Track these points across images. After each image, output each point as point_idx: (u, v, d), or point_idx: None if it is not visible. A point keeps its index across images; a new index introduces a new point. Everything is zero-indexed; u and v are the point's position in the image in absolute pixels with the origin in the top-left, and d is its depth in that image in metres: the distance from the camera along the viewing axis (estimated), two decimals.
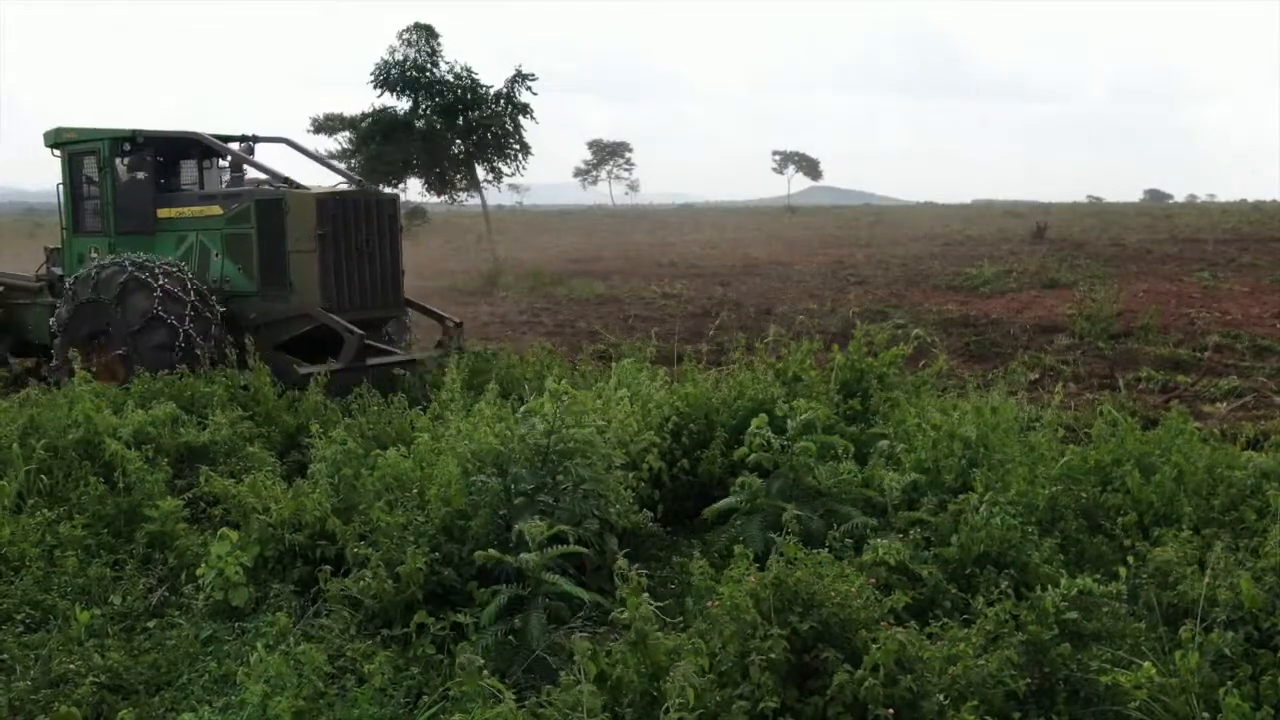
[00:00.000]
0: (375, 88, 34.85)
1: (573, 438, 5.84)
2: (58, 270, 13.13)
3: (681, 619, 5.18)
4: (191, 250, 12.00)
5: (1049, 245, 34.99)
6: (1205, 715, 3.84)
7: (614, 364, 9.16)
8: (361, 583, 5.37)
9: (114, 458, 7.06)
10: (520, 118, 35.55)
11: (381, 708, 4.37)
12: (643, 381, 8.13)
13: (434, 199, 38.43)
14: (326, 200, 11.25)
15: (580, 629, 5.29)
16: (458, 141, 35.79)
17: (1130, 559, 5.16)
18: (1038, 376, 12.53)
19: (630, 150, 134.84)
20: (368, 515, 6.07)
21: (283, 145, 13.91)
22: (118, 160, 12.25)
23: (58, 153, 12.85)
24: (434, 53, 35.20)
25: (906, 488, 6.11)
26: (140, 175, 12.28)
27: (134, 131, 12.25)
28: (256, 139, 13.33)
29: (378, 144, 34.79)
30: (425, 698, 4.55)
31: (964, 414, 7.12)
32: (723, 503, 6.30)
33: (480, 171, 36.98)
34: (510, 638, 4.95)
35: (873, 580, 4.72)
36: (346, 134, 39.61)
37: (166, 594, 6.01)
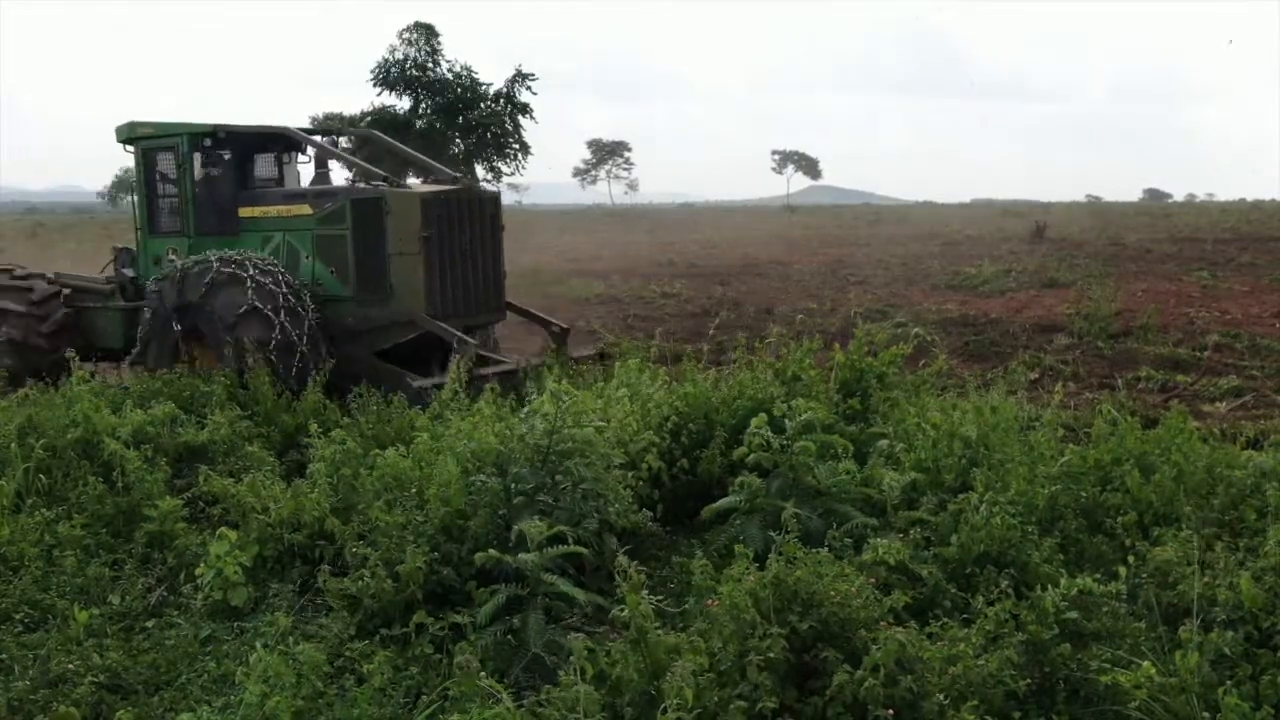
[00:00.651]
0: (375, 86, 34.86)
1: (572, 437, 5.83)
2: (128, 272, 12.43)
3: (681, 618, 5.18)
4: (279, 251, 11.29)
5: (1048, 245, 34.99)
6: (1205, 715, 3.83)
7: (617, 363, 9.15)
8: (360, 582, 5.37)
9: (113, 457, 7.06)
10: (520, 117, 35.56)
11: (380, 707, 4.37)
12: (643, 381, 8.12)
13: None
14: (431, 200, 10.53)
15: (579, 629, 5.28)
16: (457, 141, 35.78)
17: (1130, 559, 5.17)
18: (1037, 376, 12.52)
19: (629, 150, 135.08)
20: (367, 515, 6.07)
21: (364, 138, 13.04)
22: (196, 157, 11.58)
23: (129, 149, 12.10)
24: (434, 52, 35.20)
25: (906, 487, 6.11)
26: (221, 172, 11.68)
27: (216, 126, 11.65)
28: (341, 132, 12.73)
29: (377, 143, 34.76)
30: (424, 697, 4.54)
31: (964, 413, 7.12)
32: (722, 502, 6.29)
33: (480, 171, 36.97)
34: (509, 637, 4.94)
35: (872, 580, 4.72)
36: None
37: (165, 594, 6.02)
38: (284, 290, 10.34)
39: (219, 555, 5.70)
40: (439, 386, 8.92)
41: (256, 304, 10.09)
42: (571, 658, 4.09)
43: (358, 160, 11.93)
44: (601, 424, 6.33)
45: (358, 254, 10.83)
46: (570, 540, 5.22)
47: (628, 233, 57.74)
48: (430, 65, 35.06)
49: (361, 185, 11.17)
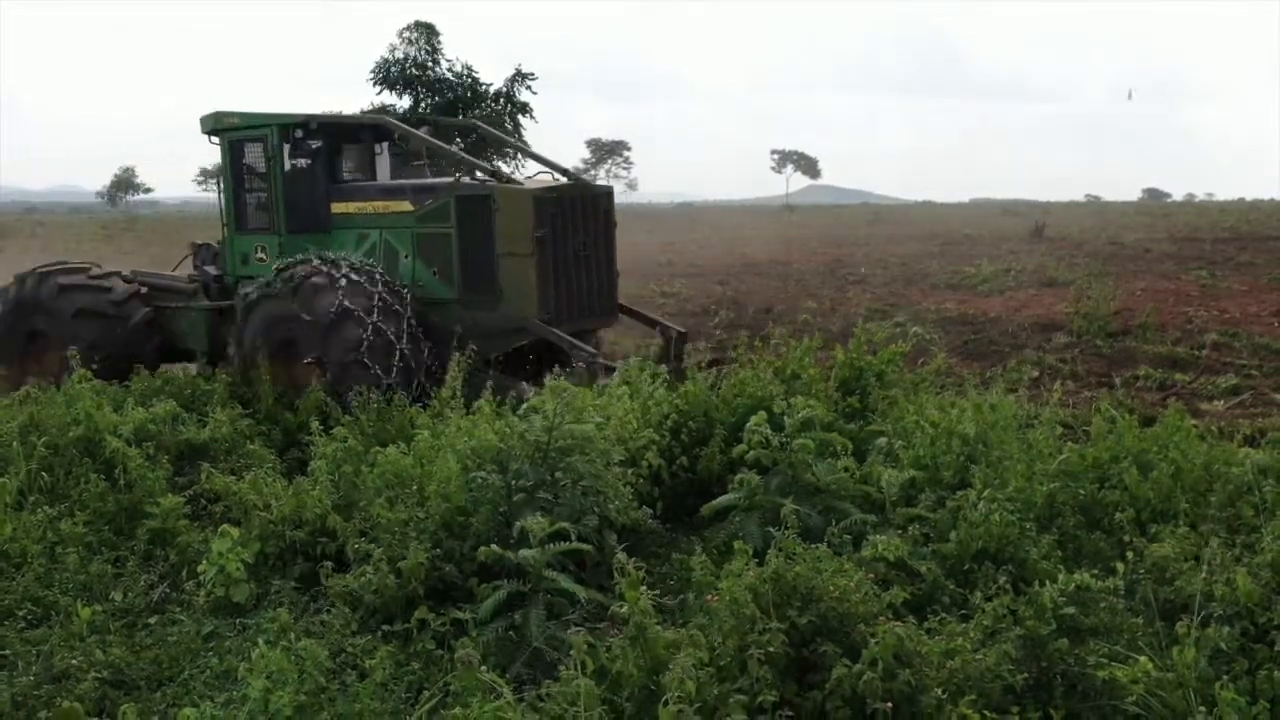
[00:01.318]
0: (375, 86, 34.85)
1: (571, 434, 5.86)
2: (211, 270, 11.89)
3: (681, 614, 5.20)
4: (375, 250, 10.67)
5: (1047, 244, 35.03)
6: (1201, 709, 3.85)
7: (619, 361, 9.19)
8: (362, 579, 5.39)
9: (115, 455, 7.08)
10: (520, 116, 35.55)
11: (382, 702, 4.38)
12: (643, 379, 8.14)
13: None
14: (545, 198, 9.83)
15: (579, 624, 5.31)
16: (457, 140, 35.80)
17: (1128, 555, 5.20)
18: (1036, 374, 12.54)
19: (629, 149, 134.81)
20: (368, 512, 6.10)
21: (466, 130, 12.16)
22: (287, 149, 10.89)
23: (215, 140, 11.43)
24: (434, 51, 35.20)
25: (905, 484, 6.13)
26: (312, 165, 11.06)
27: (308, 116, 11.00)
28: (438, 124, 11.87)
29: None
30: (426, 692, 4.57)
31: (962, 411, 7.14)
32: (721, 499, 6.31)
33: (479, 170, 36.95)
34: (510, 633, 4.97)
35: (871, 576, 4.75)
36: None
37: (168, 590, 6.04)
38: (379, 290, 9.75)
39: (221, 552, 5.71)
40: None
41: (347, 305, 9.48)
42: (572, 653, 4.12)
43: (462, 154, 11.01)
44: (601, 421, 6.35)
45: (463, 254, 10.18)
46: (572, 536, 5.25)
47: (627, 232, 57.68)
48: (430, 65, 35.06)
49: (467, 180, 10.44)
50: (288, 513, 6.23)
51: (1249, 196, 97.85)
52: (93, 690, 4.76)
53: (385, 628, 5.15)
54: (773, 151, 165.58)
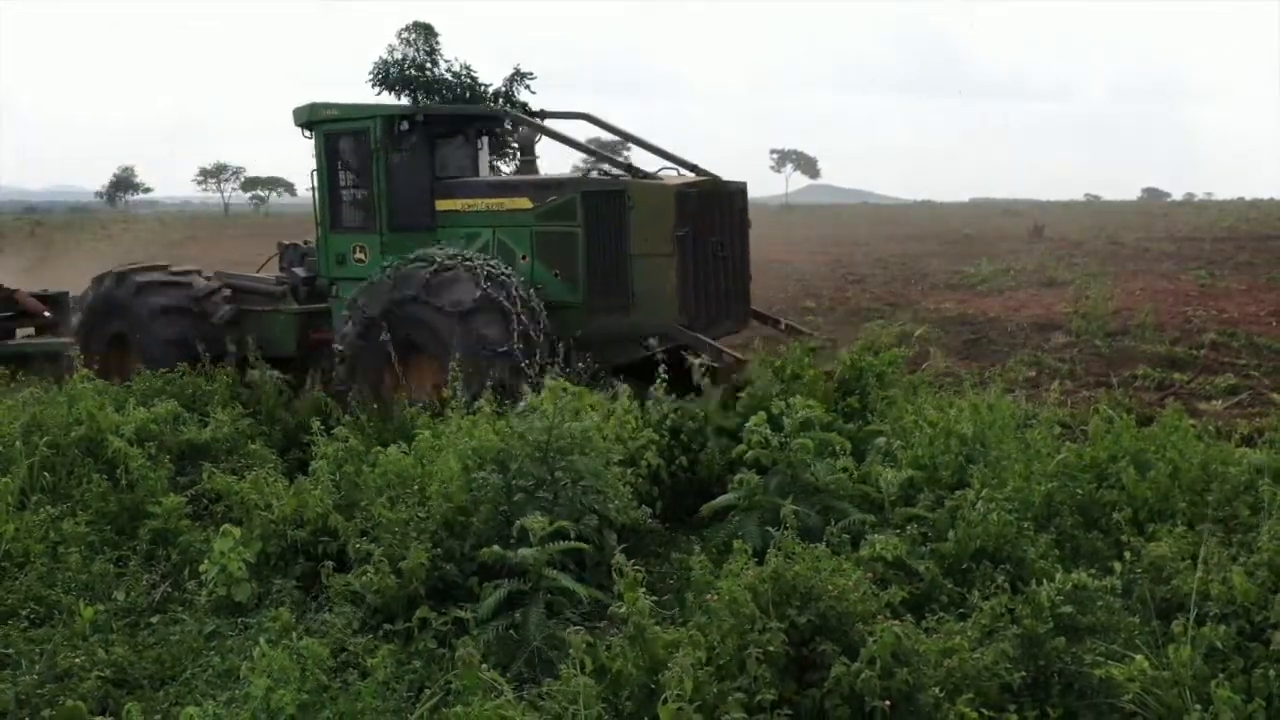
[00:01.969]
0: (374, 86, 34.87)
1: (571, 434, 5.89)
2: (300, 271, 11.34)
3: (680, 613, 5.23)
4: (487, 250, 9.85)
5: (1046, 244, 35.02)
6: (1197, 707, 3.88)
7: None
8: (363, 578, 5.42)
9: (117, 455, 7.10)
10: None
11: (384, 701, 4.41)
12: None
13: None
14: (688, 194, 9.15)
15: (579, 623, 5.33)
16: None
17: (1125, 554, 5.22)
18: (1034, 374, 12.57)
19: (628, 149, 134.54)
20: (369, 511, 6.12)
21: (581, 122, 11.24)
22: (390, 142, 10.17)
23: (308, 134, 10.69)
24: (433, 51, 35.22)
25: (904, 484, 6.15)
26: (417, 160, 10.38)
27: (416, 108, 10.52)
28: (545, 114, 11.13)
29: None
30: (427, 691, 4.59)
31: (961, 411, 7.17)
32: (721, 499, 6.34)
33: None
34: (511, 632, 5.00)
35: (870, 575, 4.77)
36: None
37: (170, 590, 6.06)
38: (515, 283, 9.11)
39: (223, 552, 5.73)
40: None
41: (489, 293, 8.81)
42: (571, 652, 4.14)
43: (595, 148, 10.19)
44: (600, 421, 6.38)
45: (590, 254, 9.42)
46: (572, 536, 5.28)
47: None
48: (429, 65, 35.08)
49: (596, 175, 9.88)
50: (289, 512, 6.25)
51: (1248, 196, 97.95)
52: (95, 689, 4.78)
53: (386, 627, 5.18)
54: (772, 151, 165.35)
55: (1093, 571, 4.71)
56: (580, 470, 5.87)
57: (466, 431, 6.55)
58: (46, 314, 13.14)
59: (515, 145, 11.19)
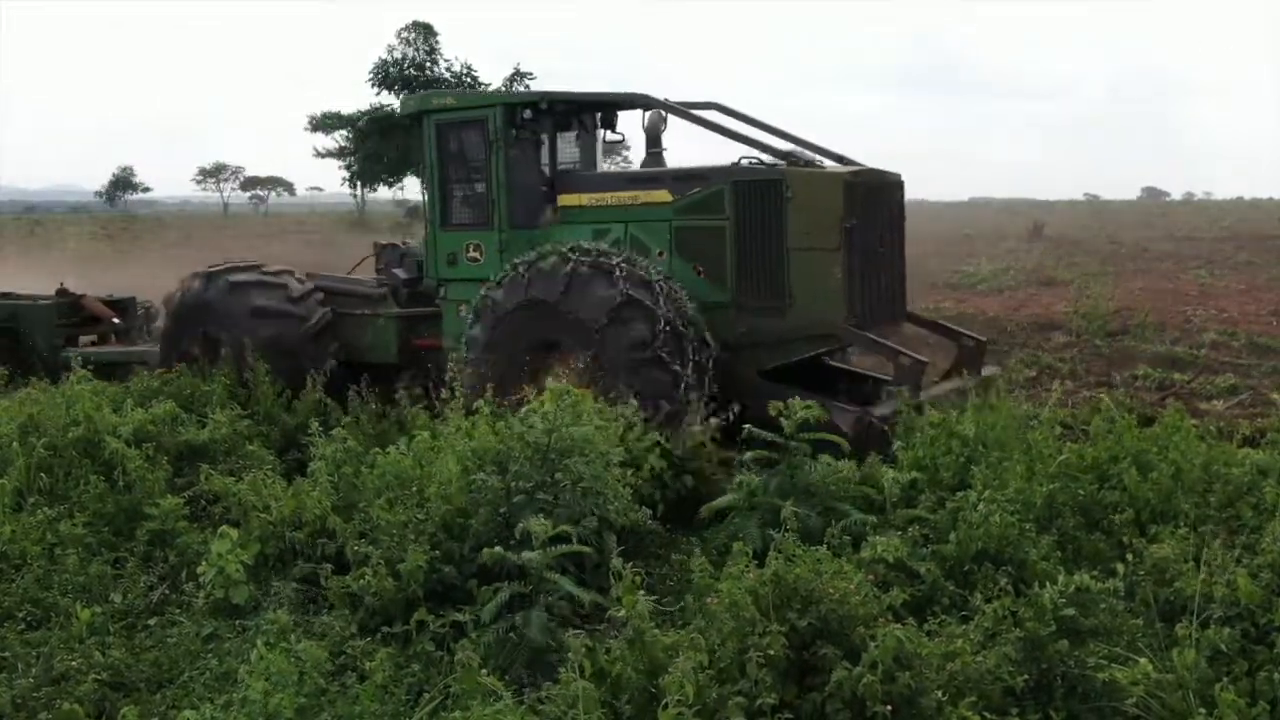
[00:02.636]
0: (374, 86, 34.94)
1: (571, 436, 5.86)
2: (400, 273, 10.73)
3: (680, 615, 5.21)
4: (618, 247, 9.08)
5: (1046, 243, 34.98)
6: (1201, 711, 3.86)
7: None
8: (362, 580, 5.39)
9: (114, 456, 7.08)
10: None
11: (382, 704, 4.38)
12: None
13: None
14: (857, 184, 8.43)
15: (580, 626, 5.31)
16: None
17: (1128, 556, 5.21)
18: (1035, 374, 12.56)
19: (627, 148, 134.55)
20: (368, 513, 6.09)
21: (712, 112, 10.07)
22: (511, 133, 9.48)
23: (415, 127, 10.14)
24: (432, 51, 35.27)
25: (905, 485, 6.14)
26: (539, 152, 9.78)
27: (542, 94, 9.65)
28: (667, 105, 10.03)
29: (375, 142, 34.87)
30: (425, 694, 4.56)
31: (962, 412, 7.14)
32: (720, 500, 6.32)
33: None
34: (510, 635, 4.97)
35: (871, 577, 4.75)
36: (343, 131, 39.75)
37: (167, 592, 6.04)
38: (658, 279, 8.39)
39: (220, 553, 5.71)
40: (887, 419, 7.40)
41: (631, 294, 8.11)
42: (571, 655, 4.12)
43: (744, 135, 9.25)
44: (601, 423, 6.36)
45: (741, 250, 8.66)
46: (573, 538, 5.25)
47: None
48: (428, 65, 35.12)
49: (747, 164, 8.94)
50: (287, 514, 6.23)
51: (1247, 196, 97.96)
52: (92, 692, 4.76)
53: (385, 629, 5.16)
54: (771, 151, 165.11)
55: (1095, 573, 4.69)
56: (580, 472, 5.85)
57: (465, 433, 6.52)
58: (116, 320, 12.75)
59: (612, 138, 10.37)
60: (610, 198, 9.49)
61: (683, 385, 7.65)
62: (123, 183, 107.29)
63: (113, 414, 7.85)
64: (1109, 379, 12.46)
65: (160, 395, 8.74)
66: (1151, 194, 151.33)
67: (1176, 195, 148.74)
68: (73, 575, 5.94)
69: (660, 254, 8.98)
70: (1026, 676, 4.21)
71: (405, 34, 35.23)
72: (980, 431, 6.79)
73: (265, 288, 10.39)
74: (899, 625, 4.23)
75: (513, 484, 5.79)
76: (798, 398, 6.37)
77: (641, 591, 4.43)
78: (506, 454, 5.97)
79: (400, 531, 5.76)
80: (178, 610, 5.76)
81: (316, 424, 7.45)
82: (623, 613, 4.32)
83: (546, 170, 9.81)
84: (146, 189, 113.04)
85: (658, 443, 6.91)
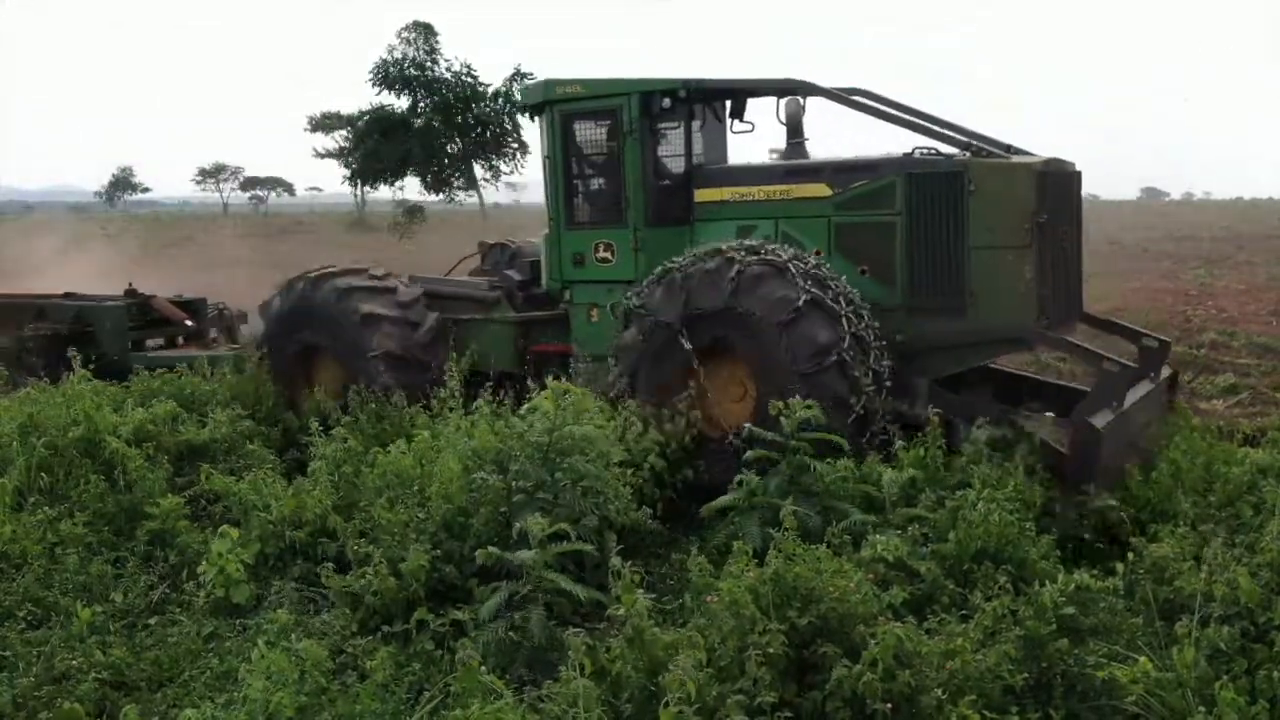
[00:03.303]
0: (374, 85, 34.91)
1: (572, 435, 5.87)
2: (514, 274, 10.13)
3: (680, 614, 5.21)
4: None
5: None
6: (1201, 709, 3.86)
7: None
8: (362, 580, 5.40)
9: (114, 456, 7.08)
10: (518, 116, 35.63)
11: (383, 703, 4.39)
12: None
13: (431, 197, 38.52)
14: (1049, 175, 7.67)
15: (579, 625, 5.32)
16: (456, 139, 35.85)
17: (1128, 555, 5.20)
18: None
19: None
20: (368, 513, 6.10)
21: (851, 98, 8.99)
22: (647, 123, 8.78)
23: (538, 116, 9.41)
24: (432, 51, 35.24)
25: (904, 484, 6.14)
26: (678, 143, 9.09)
27: (684, 81, 8.79)
28: (813, 90, 9.22)
29: (375, 141, 34.84)
30: (426, 693, 4.57)
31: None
32: (721, 500, 6.32)
33: (478, 169, 37.04)
34: (510, 634, 4.98)
35: (871, 576, 4.76)
36: (343, 131, 39.75)
37: (168, 591, 6.04)
38: (833, 278, 7.68)
39: (221, 553, 5.72)
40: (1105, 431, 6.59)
41: (814, 294, 7.35)
42: (571, 654, 4.12)
43: (921, 123, 8.47)
44: (601, 423, 6.36)
45: (914, 247, 7.93)
46: (571, 537, 5.26)
47: None
48: (429, 64, 35.10)
49: (921, 155, 8.20)
50: (287, 513, 6.23)
51: (1247, 195, 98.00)
52: (93, 691, 4.77)
53: (385, 628, 5.17)
54: (771, 150, 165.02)
55: (1095, 572, 4.70)
56: (581, 471, 5.85)
57: (466, 432, 6.53)
58: (188, 322, 12.30)
59: (740, 128, 9.57)
60: (758, 192, 8.69)
61: (863, 393, 7.10)
62: (122, 183, 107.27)
63: (113, 413, 7.85)
64: None
65: (160, 395, 8.74)
66: (1150, 194, 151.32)
67: (1176, 195, 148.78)
68: (73, 574, 5.95)
69: (816, 252, 8.21)
70: (1026, 675, 4.22)
71: (405, 34, 35.19)
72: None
73: (374, 292, 9.65)
74: (899, 624, 4.24)
75: (513, 483, 5.79)
76: (988, 409, 6.14)
77: (641, 590, 4.44)
78: (507, 453, 5.97)
79: (401, 531, 5.77)
80: (178, 609, 5.76)
81: (316, 424, 7.46)
82: (622, 611, 4.32)
83: (684, 163, 9.08)
84: (146, 189, 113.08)
85: (657, 442, 6.91)
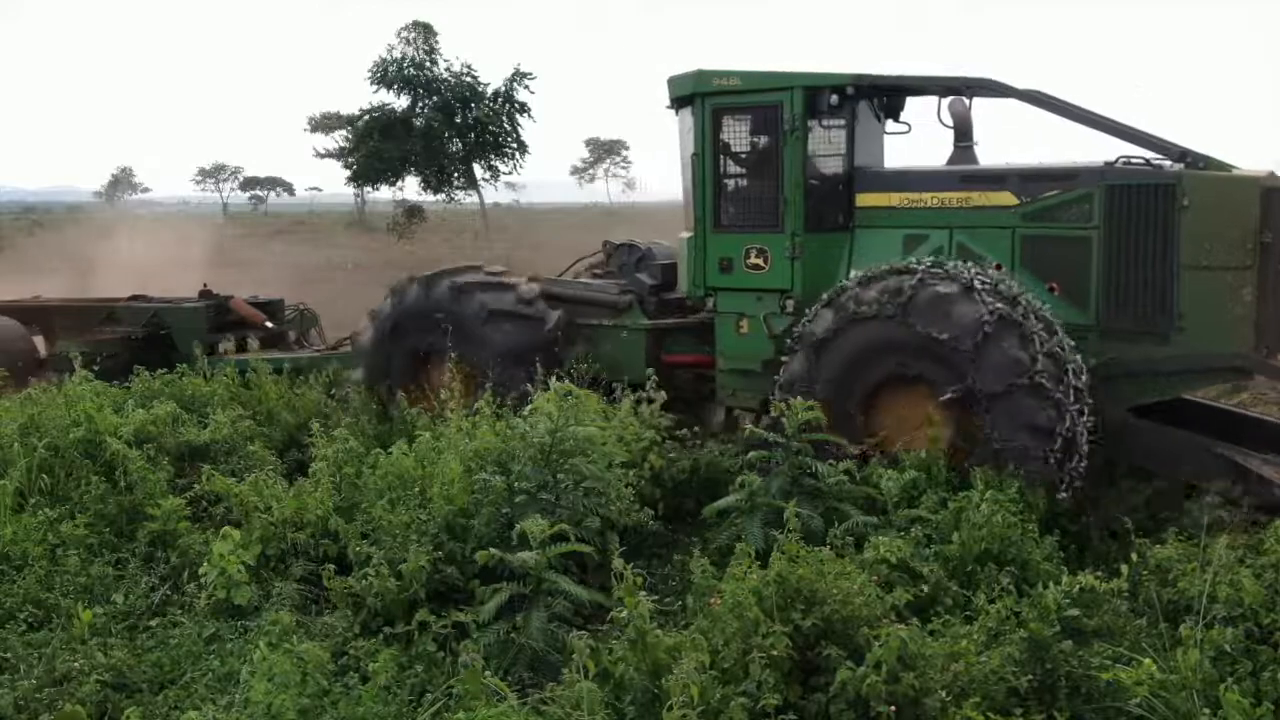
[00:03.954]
0: (373, 85, 34.92)
1: (574, 436, 5.86)
2: (645, 278, 9.52)
3: (682, 615, 5.21)
4: (940, 256, 7.68)
5: None
6: (1205, 711, 3.86)
7: None
8: (364, 581, 5.39)
9: (115, 457, 7.06)
10: (518, 115, 35.67)
11: (385, 705, 4.38)
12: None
13: (431, 197, 38.55)
14: (1275, 191, 7.11)
15: (581, 626, 5.31)
16: (455, 139, 35.86)
17: (1131, 556, 5.19)
18: None
19: (627, 148, 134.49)
20: (370, 514, 6.09)
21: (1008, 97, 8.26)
22: (812, 121, 8.22)
23: (687, 110, 8.74)
24: (432, 51, 35.25)
25: (906, 486, 6.13)
26: (843, 142, 8.39)
27: (856, 76, 8.20)
28: (978, 87, 8.38)
29: (375, 141, 34.85)
30: (428, 695, 4.56)
31: None
32: (723, 501, 6.31)
33: (478, 169, 37.05)
34: (512, 635, 4.97)
35: (874, 578, 4.75)
36: (343, 131, 39.77)
37: (169, 593, 6.03)
38: (1023, 295, 6.95)
39: (222, 554, 5.70)
40: None
41: (1003, 309, 6.70)
42: (574, 656, 4.11)
43: (1133, 129, 7.65)
44: (603, 423, 6.36)
45: (1112, 265, 7.23)
46: (572, 538, 5.25)
47: (626, 230, 57.73)
48: (428, 64, 35.11)
49: (1129, 163, 7.46)
50: (289, 514, 6.22)
51: None
52: (94, 693, 4.75)
53: (387, 630, 5.16)
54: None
55: (1099, 574, 4.69)
56: (583, 472, 5.85)
57: (467, 433, 6.52)
58: (268, 324, 11.98)
59: (895, 129, 8.98)
60: (930, 198, 8.01)
61: (1067, 416, 6.44)
62: (122, 183, 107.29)
63: (114, 415, 7.84)
64: None
65: (161, 396, 8.73)
66: None
67: None
68: (74, 576, 5.94)
69: (997, 266, 7.54)
70: (1030, 677, 4.22)
71: (405, 33, 35.20)
72: None
73: (496, 289, 9.20)
74: (903, 626, 4.24)
75: (515, 484, 5.79)
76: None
77: (643, 592, 4.43)
78: (509, 454, 5.97)
79: (402, 532, 5.77)
80: (179, 611, 5.74)
81: (317, 424, 7.45)
82: (625, 613, 4.31)
83: (846, 164, 8.38)
84: (145, 189, 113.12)
85: (655, 442, 6.90)
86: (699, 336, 8.87)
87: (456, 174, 36.67)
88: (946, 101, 8.34)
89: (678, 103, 8.78)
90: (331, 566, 5.63)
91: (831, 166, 8.38)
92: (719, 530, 6.32)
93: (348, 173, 37.88)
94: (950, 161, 8.35)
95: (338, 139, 43.44)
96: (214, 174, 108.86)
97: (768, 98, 8.27)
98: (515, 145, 36.29)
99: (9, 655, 5.17)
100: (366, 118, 35.45)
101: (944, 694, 3.99)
